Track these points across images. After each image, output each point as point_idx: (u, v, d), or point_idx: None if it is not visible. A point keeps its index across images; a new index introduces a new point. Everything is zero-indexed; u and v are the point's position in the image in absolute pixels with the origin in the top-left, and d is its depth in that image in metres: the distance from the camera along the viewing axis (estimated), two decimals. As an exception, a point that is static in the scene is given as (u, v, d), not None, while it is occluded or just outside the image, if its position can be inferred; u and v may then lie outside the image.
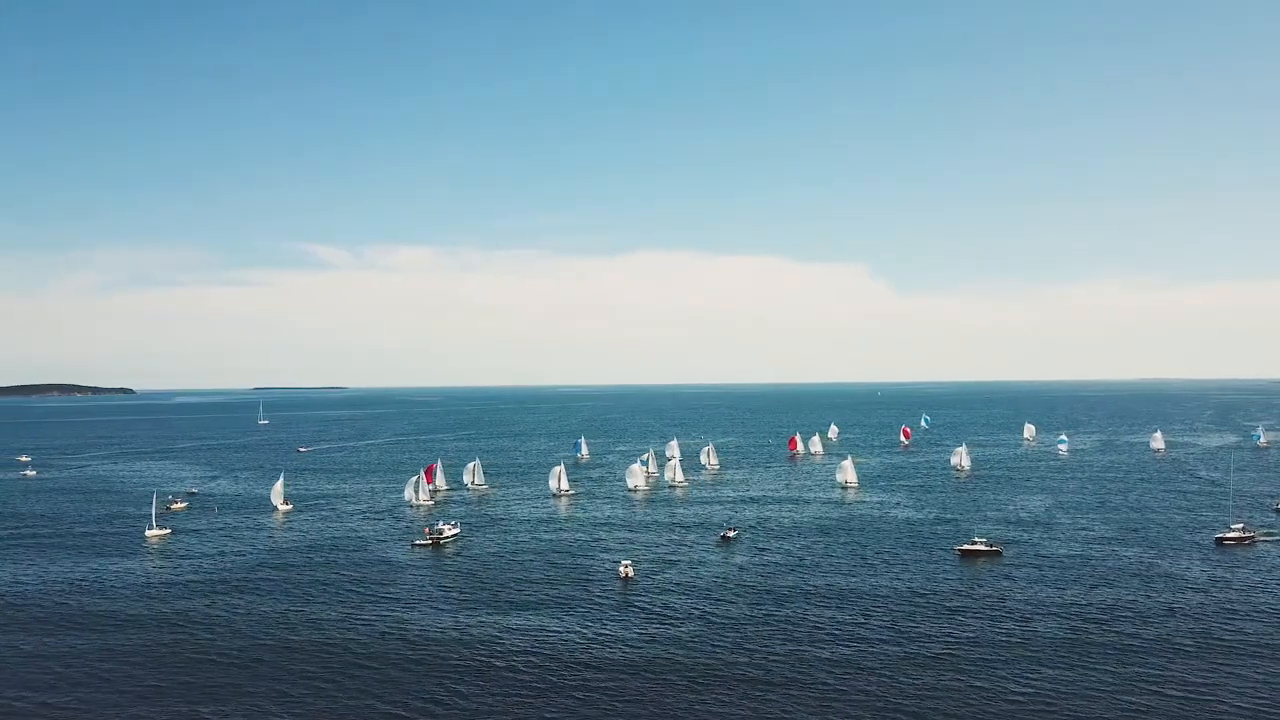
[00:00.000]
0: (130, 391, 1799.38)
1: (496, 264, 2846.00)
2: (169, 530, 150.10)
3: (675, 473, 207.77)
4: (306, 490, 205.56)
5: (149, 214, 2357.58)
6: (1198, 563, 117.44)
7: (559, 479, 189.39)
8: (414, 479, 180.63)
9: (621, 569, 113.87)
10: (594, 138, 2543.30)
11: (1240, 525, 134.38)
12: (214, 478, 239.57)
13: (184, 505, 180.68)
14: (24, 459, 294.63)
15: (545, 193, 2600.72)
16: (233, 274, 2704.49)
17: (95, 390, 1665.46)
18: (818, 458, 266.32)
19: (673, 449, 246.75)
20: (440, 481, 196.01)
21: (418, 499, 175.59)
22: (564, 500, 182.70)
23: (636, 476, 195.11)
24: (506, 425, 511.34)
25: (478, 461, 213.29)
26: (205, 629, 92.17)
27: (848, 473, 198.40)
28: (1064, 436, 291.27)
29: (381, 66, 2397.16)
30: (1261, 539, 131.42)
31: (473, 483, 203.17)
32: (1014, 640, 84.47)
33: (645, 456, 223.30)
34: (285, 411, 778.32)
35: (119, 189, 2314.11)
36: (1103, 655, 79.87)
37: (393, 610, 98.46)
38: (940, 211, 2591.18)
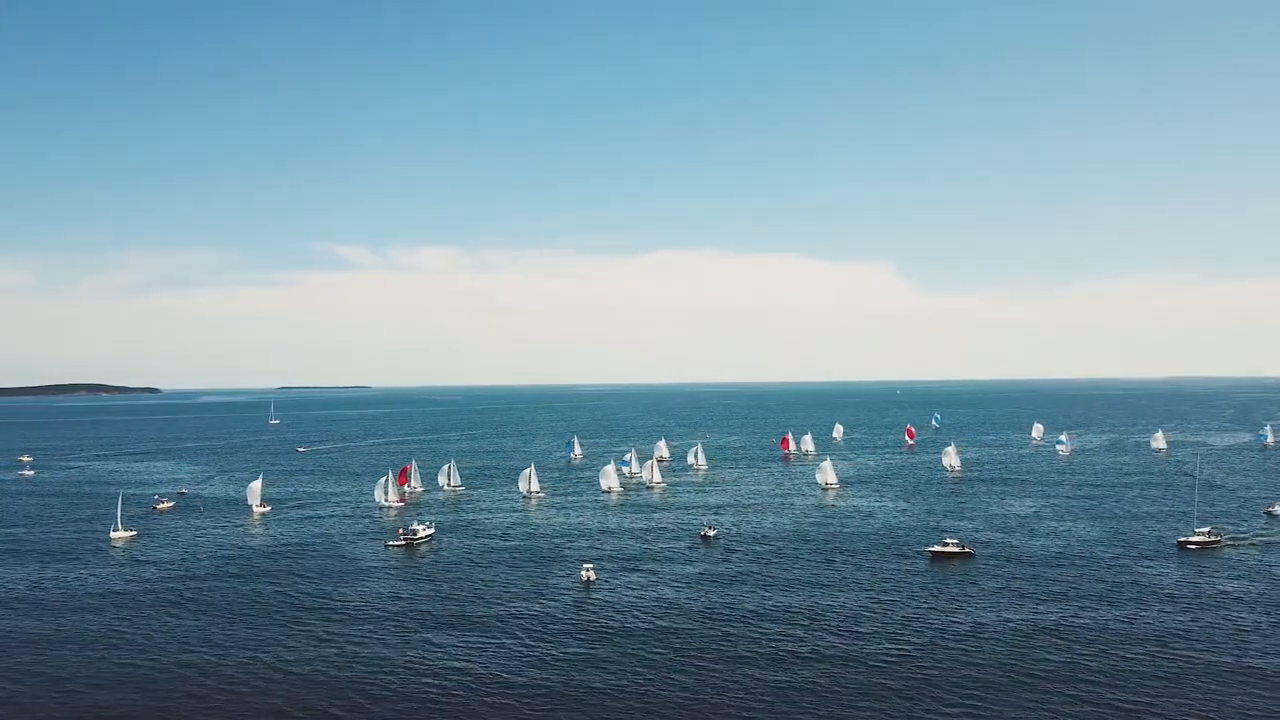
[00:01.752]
0: (156, 391, 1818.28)
1: (517, 264, 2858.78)
2: (135, 532, 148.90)
3: (652, 473, 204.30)
4: (292, 491, 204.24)
5: (175, 216, 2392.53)
6: (1158, 569, 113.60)
7: (529, 480, 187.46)
8: (383, 480, 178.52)
9: (584, 574, 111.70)
10: (614, 138, 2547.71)
11: (1206, 530, 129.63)
12: (209, 478, 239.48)
13: (170, 505, 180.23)
14: (25, 459, 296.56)
15: (566, 193, 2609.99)
16: (257, 275, 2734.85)
17: (122, 390, 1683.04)
18: (810, 457, 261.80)
19: (660, 449, 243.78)
20: (415, 482, 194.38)
21: (387, 500, 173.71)
22: (533, 502, 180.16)
23: (610, 478, 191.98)
24: (514, 425, 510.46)
25: (453, 462, 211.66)
26: (136, 648, 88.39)
27: (828, 474, 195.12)
28: (1063, 437, 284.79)
29: (404, 67, 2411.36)
30: (1228, 544, 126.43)
31: (448, 484, 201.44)
32: (959, 656, 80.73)
33: (628, 456, 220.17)
34: (299, 411, 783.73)
35: (146, 191, 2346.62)
36: (1045, 671, 76.20)
37: (333, 624, 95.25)
38: (965, 210, 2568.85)
